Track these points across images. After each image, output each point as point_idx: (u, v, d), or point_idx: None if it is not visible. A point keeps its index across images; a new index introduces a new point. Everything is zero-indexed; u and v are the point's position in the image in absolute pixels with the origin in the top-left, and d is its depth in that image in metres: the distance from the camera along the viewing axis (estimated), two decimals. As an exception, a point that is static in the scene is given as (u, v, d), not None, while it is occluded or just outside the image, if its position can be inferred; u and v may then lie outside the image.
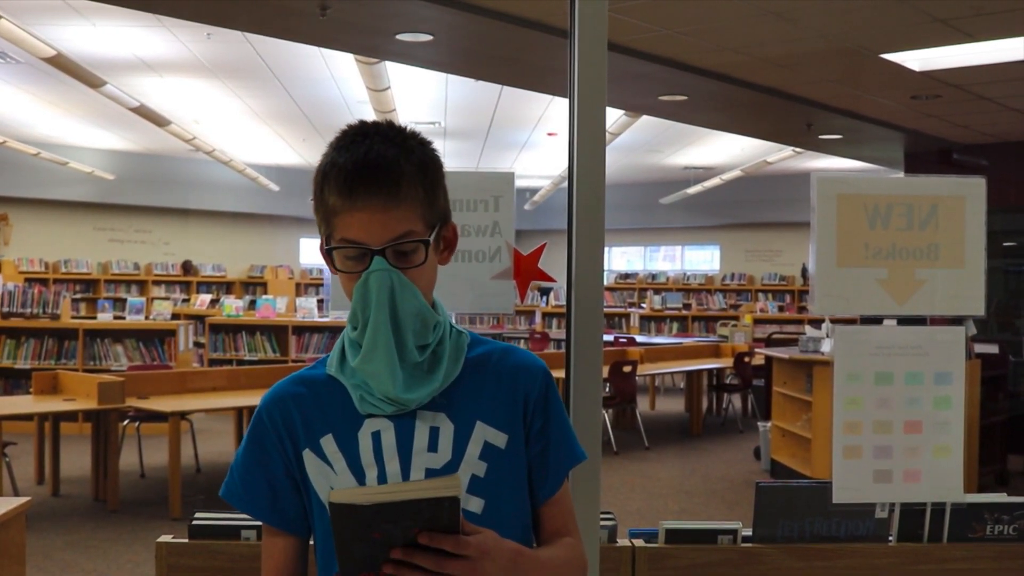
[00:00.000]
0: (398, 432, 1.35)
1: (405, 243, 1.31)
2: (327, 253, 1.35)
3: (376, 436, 1.35)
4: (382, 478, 1.34)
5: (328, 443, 1.37)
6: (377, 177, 1.29)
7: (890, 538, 2.30)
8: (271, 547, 1.43)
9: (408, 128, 1.37)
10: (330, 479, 1.36)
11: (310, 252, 20.31)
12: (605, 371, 8.75)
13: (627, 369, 9.09)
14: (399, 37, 6.17)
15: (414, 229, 1.32)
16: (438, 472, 1.34)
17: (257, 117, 12.68)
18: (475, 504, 1.35)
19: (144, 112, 11.47)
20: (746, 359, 10.47)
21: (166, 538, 2.27)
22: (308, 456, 1.38)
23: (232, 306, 11.31)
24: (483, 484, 1.36)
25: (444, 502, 1.15)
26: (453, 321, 1.46)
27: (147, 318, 10.57)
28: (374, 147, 1.31)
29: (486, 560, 1.20)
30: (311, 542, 1.44)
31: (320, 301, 13.54)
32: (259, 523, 2.24)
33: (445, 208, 1.39)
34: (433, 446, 1.35)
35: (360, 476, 1.35)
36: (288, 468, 1.39)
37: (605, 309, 2.11)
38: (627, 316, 16.34)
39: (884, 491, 2.12)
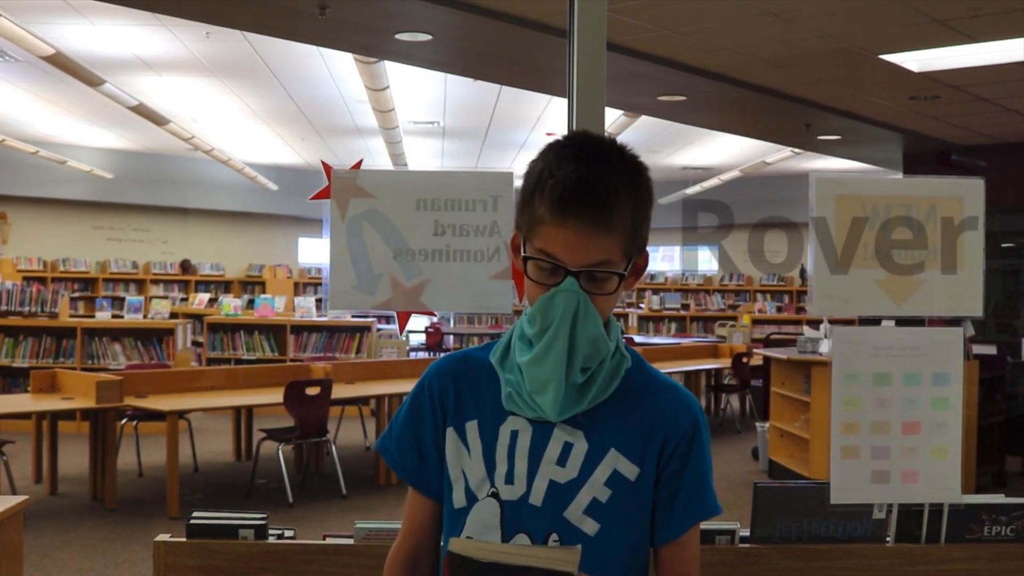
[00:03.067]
0: (534, 437, 1.37)
1: (601, 271, 1.31)
2: (522, 258, 1.35)
3: (514, 435, 1.38)
4: (509, 477, 1.37)
5: (472, 428, 1.41)
6: (592, 201, 1.27)
7: (887, 539, 2.30)
8: (414, 504, 1.48)
9: (628, 149, 1.35)
10: (463, 462, 1.41)
11: (308, 251, 20.31)
12: (603, 371, 8.73)
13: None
14: (398, 36, 6.17)
15: (613, 259, 1.31)
16: (561, 486, 1.36)
17: (256, 116, 12.67)
18: (589, 526, 1.36)
19: (143, 111, 11.47)
20: (744, 359, 10.47)
21: (163, 537, 2.27)
22: (450, 434, 1.42)
23: (230, 305, 11.31)
24: (603, 510, 1.36)
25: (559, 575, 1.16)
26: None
27: (145, 317, 10.57)
28: (596, 168, 1.29)
29: None
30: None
31: (318, 300, 13.55)
32: (258, 523, 2.25)
33: (645, 238, 1.38)
34: (563, 461, 1.36)
35: (491, 468, 1.38)
36: (437, 439, 1.44)
37: (603, 309, 2.07)
38: (625, 316, 16.33)
39: (882, 492, 2.11)
